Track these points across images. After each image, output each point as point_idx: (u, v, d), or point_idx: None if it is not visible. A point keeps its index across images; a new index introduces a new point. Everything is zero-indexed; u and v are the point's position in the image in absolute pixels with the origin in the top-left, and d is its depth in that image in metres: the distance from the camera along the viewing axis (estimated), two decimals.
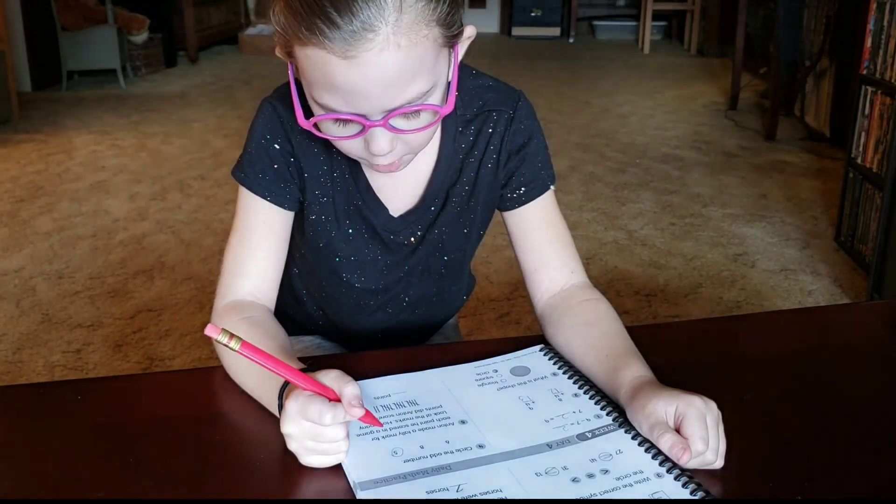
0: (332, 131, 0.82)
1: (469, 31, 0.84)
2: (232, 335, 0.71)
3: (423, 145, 0.87)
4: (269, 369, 0.73)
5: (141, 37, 6.04)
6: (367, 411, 0.76)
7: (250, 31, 7.46)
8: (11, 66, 4.88)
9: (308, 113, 0.82)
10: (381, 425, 0.78)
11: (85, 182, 3.79)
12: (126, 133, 4.62)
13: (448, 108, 0.82)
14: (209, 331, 0.70)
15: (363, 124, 0.79)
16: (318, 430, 0.72)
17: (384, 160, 0.83)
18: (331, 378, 0.74)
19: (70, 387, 0.89)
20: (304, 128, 0.82)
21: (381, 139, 0.80)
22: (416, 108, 0.79)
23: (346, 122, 0.80)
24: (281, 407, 0.76)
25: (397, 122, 0.80)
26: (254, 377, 0.84)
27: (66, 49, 5.59)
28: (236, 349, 0.71)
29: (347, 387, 0.73)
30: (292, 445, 0.74)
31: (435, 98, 0.81)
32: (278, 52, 0.81)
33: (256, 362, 0.73)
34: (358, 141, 0.82)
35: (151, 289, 2.70)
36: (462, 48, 0.84)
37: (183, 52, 6.78)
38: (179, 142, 4.46)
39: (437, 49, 0.78)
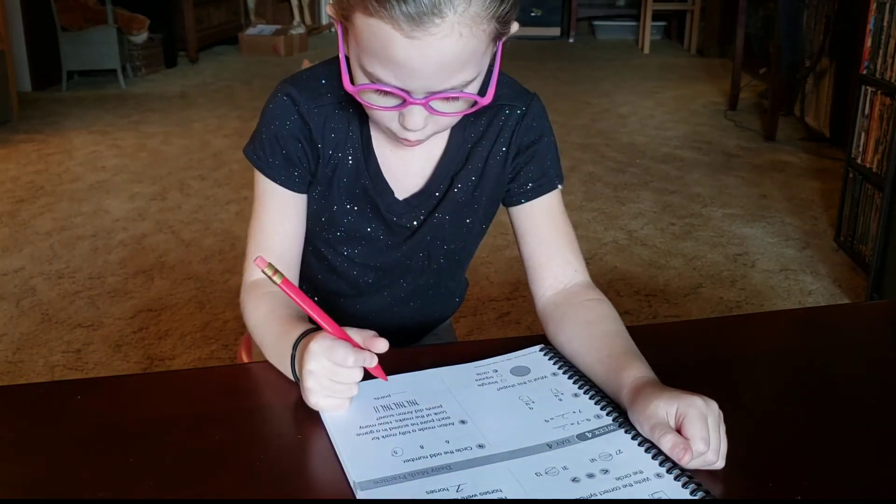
0: (372, 100, 0.85)
1: (514, 28, 0.86)
2: (276, 270, 0.80)
3: (450, 126, 0.92)
4: (304, 308, 0.82)
5: (141, 37, 6.03)
6: (378, 366, 0.82)
7: (250, 31, 7.45)
8: (11, 66, 4.88)
9: (351, 77, 0.86)
10: (386, 378, 0.85)
11: (85, 182, 3.79)
12: (126, 133, 4.62)
13: (487, 100, 0.85)
14: (258, 262, 0.80)
15: (405, 99, 0.82)
16: (337, 370, 0.79)
17: (413, 136, 0.86)
18: (356, 332, 0.82)
19: (70, 387, 0.89)
20: (348, 91, 0.85)
21: (418, 116, 0.84)
22: (457, 95, 0.83)
23: (388, 93, 0.83)
24: (294, 357, 0.83)
25: (436, 104, 0.83)
26: (272, 333, 0.90)
27: (66, 49, 5.59)
28: (278, 283, 0.81)
29: (373, 339, 0.81)
30: (309, 382, 0.79)
31: (474, 87, 0.84)
32: (330, 11, 0.85)
33: (294, 299, 0.82)
34: (393, 113, 0.85)
35: (151, 289, 2.70)
36: (502, 42, 0.87)
37: (183, 52, 6.77)
38: (179, 142, 4.46)
39: (487, 42, 0.81)
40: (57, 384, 0.93)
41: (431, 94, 0.82)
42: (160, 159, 4.15)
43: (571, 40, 8.00)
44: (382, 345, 0.81)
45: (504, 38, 0.85)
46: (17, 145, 4.38)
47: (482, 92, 0.86)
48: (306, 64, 1.05)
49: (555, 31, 8.02)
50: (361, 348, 0.81)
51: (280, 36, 7.24)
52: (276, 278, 0.80)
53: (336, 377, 0.79)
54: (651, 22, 7.48)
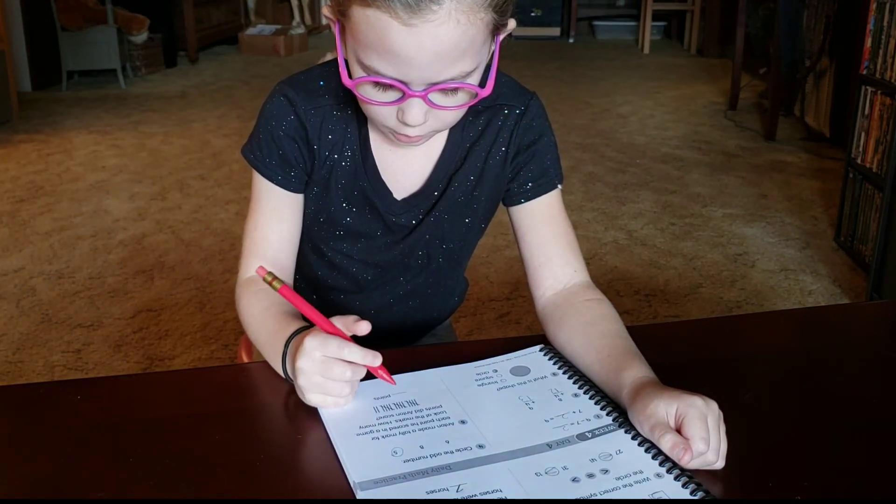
0: (370, 94, 0.85)
1: (511, 24, 0.86)
2: (275, 277, 0.82)
3: (451, 124, 0.91)
4: (305, 312, 0.83)
5: (141, 37, 6.03)
6: (382, 366, 0.82)
7: (250, 31, 7.45)
8: (11, 66, 4.88)
9: (350, 74, 0.85)
10: (394, 383, 0.84)
11: (85, 182, 3.79)
12: (126, 133, 4.62)
13: (486, 92, 0.85)
14: (259, 272, 0.83)
15: (404, 91, 0.81)
16: (328, 366, 0.79)
17: (414, 131, 0.86)
18: (339, 319, 0.83)
19: (70, 387, 0.89)
20: (346, 86, 0.85)
21: (417, 110, 0.83)
22: (456, 86, 0.82)
23: (386, 87, 0.82)
24: (285, 355, 0.84)
25: (435, 96, 0.83)
26: (265, 331, 0.91)
27: (66, 49, 5.59)
28: (277, 289, 0.82)
29: (355, 323, 0.82)
30: (301, 380, 0.80)
31: (473, 79, 0.84)
32: (326, 12, 0.85)
33: (295, 304, 0.83)
34: (391, 109, 0.85)
35: (151, 289, 2.70)
36: (501, 37, 0.87)
37: (183, 52, 6.77)
38: (179, 142, 4.46)
39: (486, 33, 0.81)
40: (57, 384, 0.93)
41: (430, 86, 0.81)
42: (160, 159, 4.15)
43: (571, 40, 8.00)
44: (364, 327, 0.82)
45: (502, 34, 0.85)
46: (17, 145, 4.38)
47: (481, 85, 0.85)
48: (329, 56, 1.06)
49: (555, 31, 8.02)
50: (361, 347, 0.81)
51: (280, 36, 7.24)
52: (275, 284, 0.82)
53: (328, 374, 0.79)
54: (651, 22, 7.48)
